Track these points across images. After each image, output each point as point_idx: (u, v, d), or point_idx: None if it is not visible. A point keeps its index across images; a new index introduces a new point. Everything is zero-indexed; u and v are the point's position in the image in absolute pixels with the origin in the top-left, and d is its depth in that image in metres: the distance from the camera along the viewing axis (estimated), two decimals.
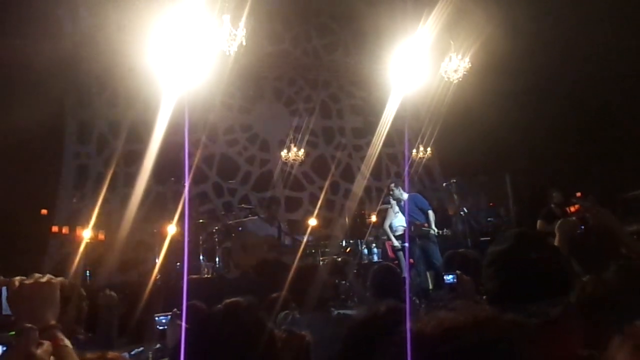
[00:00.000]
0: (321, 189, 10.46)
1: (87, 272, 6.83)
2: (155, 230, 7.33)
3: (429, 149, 10.60)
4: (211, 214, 8.86)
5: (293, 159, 10.26)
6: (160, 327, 2.93)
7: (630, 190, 8.19)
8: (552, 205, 7.56)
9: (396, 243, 7.67)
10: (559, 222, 2.51)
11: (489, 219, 9.87)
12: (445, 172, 10.99)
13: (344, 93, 11.90)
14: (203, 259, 7.36)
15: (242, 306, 1.55)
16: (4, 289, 1.35)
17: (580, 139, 9.34)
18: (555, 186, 7.90)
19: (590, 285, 2.10)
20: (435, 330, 0.70)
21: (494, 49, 8.13)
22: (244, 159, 10.63)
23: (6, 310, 1.33)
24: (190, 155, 8.98)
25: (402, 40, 6.82)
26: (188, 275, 6.88)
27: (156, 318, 2.97)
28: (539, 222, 7.20)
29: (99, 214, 7.13)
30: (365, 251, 8.86)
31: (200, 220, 7.62)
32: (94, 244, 6.88)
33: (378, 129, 9.06)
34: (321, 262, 7.60)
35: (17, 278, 1.35)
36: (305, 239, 7.41)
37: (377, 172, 11.33)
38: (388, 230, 7.78)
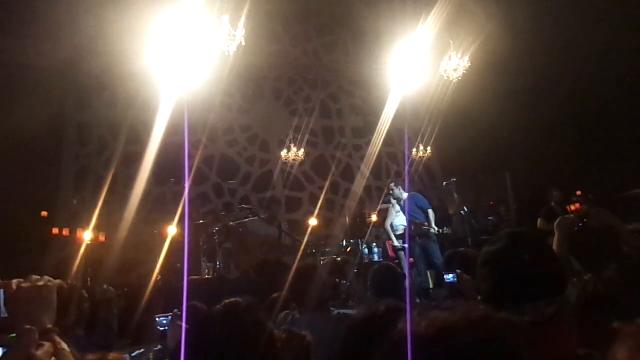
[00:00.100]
0: (321, 189, 10.45)
1: (88, 275, 6.83)
2: (155, 232, 7.33)
3: (429, 149, 10.60)
4: (212, 215, 8.85)
5: (293, 159, 10.26)
6: (161, 328, 2.93)
7: (631, 189, 8.19)
8: (553, 204, 7.57)
9: (397, 243, 7.68)
10: (558, 220, 2.51)
11: (489, 218, 9.86)
12: (446, 171, 10.97)
13: (343, 93, 11.90)
14: (204, 260, 7.35)
15: (241, 306, 1.54)
16: (1, 291, 1.34)
17: (580, 138, 9.34)
18: (556, 185, 7.90)
19: (591, 284, 2.10)
20: (428, 330, 0.70)
21: (493, 48, 8.13)
22: (244, 160, 10.63)
23: (4, 313, 1.33)
24: (190, 156, 8.98)
25: (402, 39, 6.82)
26: (188, 276, 6.87)
27: (157, 319, 2.97)
28: (539, 221, 7.21)
29: (100, 216, 7.12)
30: (366, 251, 8.85)
31: (201, 221, 7.62)
32: (94, 246, 6.87)
33: (378, 128, 9.06)
34: (322, 262, 7.59)
35: (15, 281, 1.34)
36: (305, 239, 7.40)
37: (378, 172, 11.33)
38: (389, 229, 7.78)
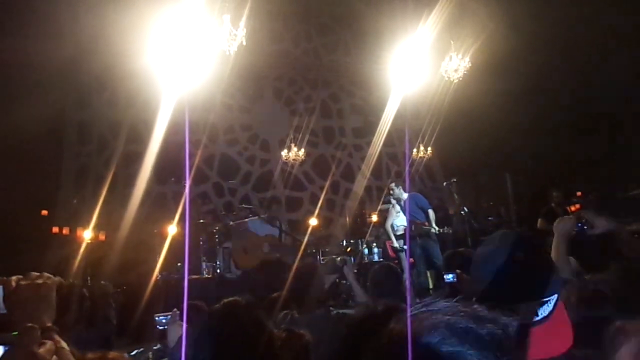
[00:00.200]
0: (322, 188, 10.46)
1: (88, 274, 6.83)
2: (155, 231, 7.33)
3: (429, 149, 10.60)
4: (212, 214, 8.85)
5: (293, 159, 10.26)
6: (160, 327, 2.93)
7: (631, 189, 8.19)
8: (553, 205, 7.57)
9: (396, 244, 7.67)
10: (556, 221, 2.51)
11: (489, 218, 9.87)
12: (446, 171, 10.98)
13: (344, 93, 11.90)
14: (203, 259, 7.35)
15: (241, 306, 1.54)
16: (0, 287, 1.34)
17: (580, 138, 9.34)
18: (556, 185, 7.90)
19: (591, 284, 2.10)
20: (416, 330, 0.70)
21: (494, 48, 8.13)
22: (245, 159, 10.63)
23: (2, 309, 1.33)
24: (191, 156, 8.97)
25: (403, 39, 6.81)
26: (189, 275, 6.87)
27: (156, 318, 2.97)
28: (539, 221, 7.21)
29: (100, 215, 7.12)
30: (366, 251, 8.85)
31: (201, 221, 7.62)
32: (94, 245, 6.88)
33: (378, 128, 9.06)
34: (321, 262, 7.60)
35: (14, 278, 1.34)
36: (305, 239, 7.41)
37: (378, 172, 11.33)
38: (390, 230, 7.78)
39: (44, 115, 7.63)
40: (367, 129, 11.32)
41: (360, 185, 10.62)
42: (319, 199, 9.87)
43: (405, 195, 7.62)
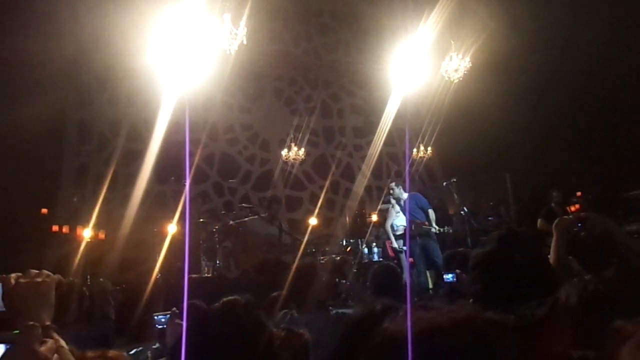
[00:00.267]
0: (322, 188, 10.45)
1: (88, 272, 6.83)
2: (155, 230, 7.33)
3: (429, 149, 10.60)
4: (212, 214, 8.85)
5: (294, 159, 10.27)
6: (159, 326, 2.92)
7: (631, 189, 8.19)
8: (553, 205, 7.57)
9: (395, 244, 7.67)
10: (556, 221, 2.50)
11: (489, 218, 9.86)
12: (446, 171, 10.97)
13: (344, 92, 11.90)
14: (203, 259, 7.35)
15: (240, 305, 1.54)
16: None
17: (580, 138, 9.33)
18: (556, 186, 7.90)
19: (591, 284, 2.10)
20: (412, 329, 0.70)
21: (494, 48, 8.12)
22: (245, 158, 10.63)
23: (1, 307, 1.33)
24: (191, 155, 8.97)
25: (403, 39, 6.82)
26: (188, 274, 6.87)
27: (155, 317, 2.96)
28: (539, 221, 7.22)
29: (100, 213, 7.13)
30: (366, 250, 8.85)
31: (201, 220, 7.62)
32: (94, 243, 6.88)
33: (379, 128, 9.06)
34: (321, 262, 7.60)
35: (13, 275, 1.34)
36: (305, 238, 7.41)
37: (378, 172, 11.33)
38: (389, 230, 7.78)
39: (44, 115, 7.63)
40: (368, 128, 11.32)
41: (360, 185, 10.62)
42: (319, 198, 9.86)
43: (405, 195, 7.63)
